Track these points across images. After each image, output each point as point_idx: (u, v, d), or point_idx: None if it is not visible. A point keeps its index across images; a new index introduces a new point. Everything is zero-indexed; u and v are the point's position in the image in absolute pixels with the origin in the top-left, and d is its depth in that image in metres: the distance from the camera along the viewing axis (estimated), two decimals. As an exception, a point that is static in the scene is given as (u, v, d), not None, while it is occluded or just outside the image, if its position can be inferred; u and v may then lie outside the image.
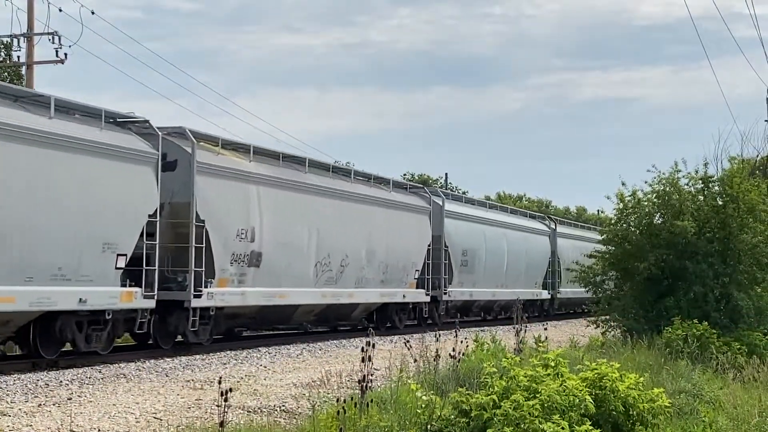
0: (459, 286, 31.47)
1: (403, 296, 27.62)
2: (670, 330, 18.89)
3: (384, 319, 27.41)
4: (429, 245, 29.11)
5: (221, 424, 8.04)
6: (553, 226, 41.61)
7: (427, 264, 29.02)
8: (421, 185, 34.79)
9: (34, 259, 15.28)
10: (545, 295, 39.59)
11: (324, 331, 26.51)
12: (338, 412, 8.78)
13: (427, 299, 29.06)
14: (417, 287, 28.53)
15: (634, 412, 9.86)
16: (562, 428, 8.53)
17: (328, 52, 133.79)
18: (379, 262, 26.23)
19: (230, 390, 8.19)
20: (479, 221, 33.63)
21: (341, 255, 24.26)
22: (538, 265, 39.23)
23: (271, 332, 25.23)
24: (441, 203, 30.64)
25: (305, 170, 23.29)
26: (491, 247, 34.04)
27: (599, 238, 30.42)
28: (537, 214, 44.84)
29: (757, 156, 37.12)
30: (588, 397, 9.33)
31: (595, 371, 10.16)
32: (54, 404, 11.37)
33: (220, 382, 8.66)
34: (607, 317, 23.03)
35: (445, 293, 30.32)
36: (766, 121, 39.59)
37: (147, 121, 18.33)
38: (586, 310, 43.54)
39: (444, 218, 30.43)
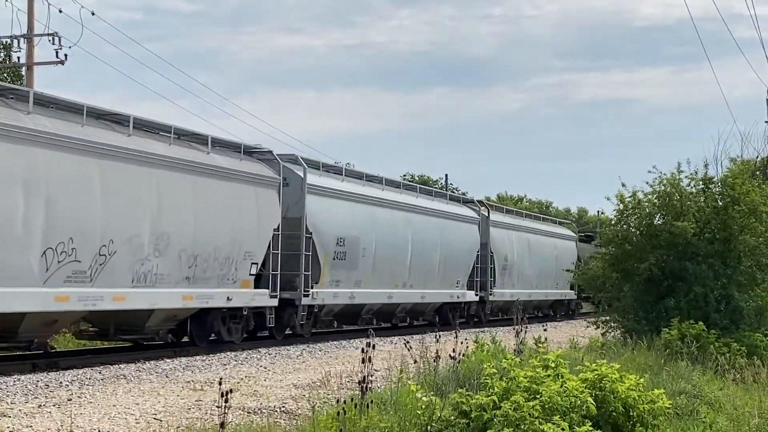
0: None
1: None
2: (668, 331, 18.88)
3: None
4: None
5: (222, 425, 8.04)
6: (486, 213, 35.29)
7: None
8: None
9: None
10: (471, 296, 33.17)
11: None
12: (338, 413, 8.78)
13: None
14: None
15: (635, 413, 9.85)
16: (562, 429, 8.53)
17: (328, 53, 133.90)
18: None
19: (231, 391, 8.19)
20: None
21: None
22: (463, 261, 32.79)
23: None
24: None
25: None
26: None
27: (558, 231, 31.39)
28: (462, 197, 40.05)
29: (757, 157, 37.13)
30: (589, 398, 9.33)
31: (596, 372, 10.15)
32: (54, 405, 11.37)
33: (220, 383, 8.66)
34: (607, 318, 23.02)
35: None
36: (766, 122, 39.60)
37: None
38: (539, 315, 40.39)
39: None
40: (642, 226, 22.56)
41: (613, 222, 23.67)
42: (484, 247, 33.95)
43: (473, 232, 33.29)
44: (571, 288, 39.03)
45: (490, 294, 34.26)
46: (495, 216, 35.92)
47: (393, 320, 28.72)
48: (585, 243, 46.16)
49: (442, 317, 30.97)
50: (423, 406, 9.13)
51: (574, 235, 41.89)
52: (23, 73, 33.26)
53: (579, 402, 9.17)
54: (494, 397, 8.93)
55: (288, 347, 20.97)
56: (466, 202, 36.14)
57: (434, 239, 29.84)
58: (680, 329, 18.94)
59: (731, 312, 21.49)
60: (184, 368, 16.02)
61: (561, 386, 9.32)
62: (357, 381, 9.57)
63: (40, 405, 11.36)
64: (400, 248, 27.71)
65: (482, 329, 27.05)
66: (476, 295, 33.32)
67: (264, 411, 11.27)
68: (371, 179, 27.51)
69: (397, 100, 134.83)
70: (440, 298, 30.71)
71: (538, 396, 8.98)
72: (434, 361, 12.39)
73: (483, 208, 35.00)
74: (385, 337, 23.05)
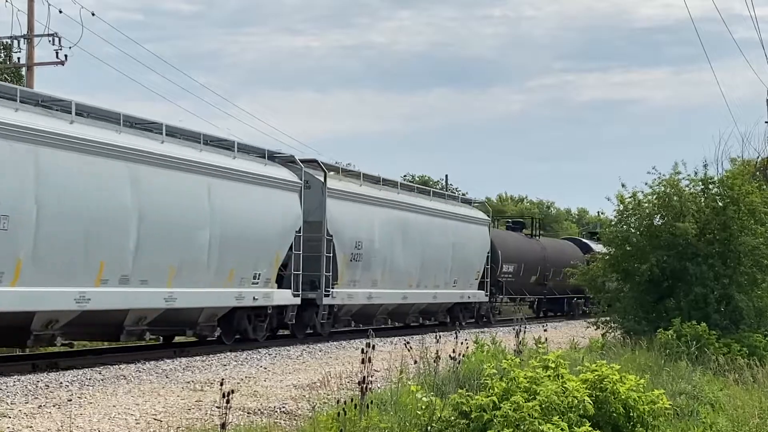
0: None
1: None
2: (667, 331, 18.88)
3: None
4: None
5: (223, 425, 8.03)
6: (321, 178, 23.83)
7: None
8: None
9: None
10: (284, 298, 22.37)
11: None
12: (338, 414, 8.77)
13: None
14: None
15: (635, 414, 9.86)
16: (562, 430, 8.53)
17: (328, 54, 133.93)
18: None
19: (232, 392, 8.19)
20: None
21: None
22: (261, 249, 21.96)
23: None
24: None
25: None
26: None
27: (459, 211, 30.07)
28: (278, 153, 23.87)
29: (758, 157, 37.10)
30: (587, 397, 9.33)
31: (596, 373, 10.16)
32: (54, 405, 11.36)
33: (222, 384, 8.65)
34: (608, 318, 23.02)
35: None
36: (766, 122, 39.59)
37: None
38: (429, 323, 30.01)
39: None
40: (642, 226, 22.58)
41: (613, 223, 23.67)
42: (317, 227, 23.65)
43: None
44: (481, 287, 33.24)
45: (327, 294, 23.52)
46: (334, 183, 24.37)
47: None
48: (512, 231, 42.37)
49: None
50: (423, 407, 9.12)
51: (486, 218, 34.27)
52: (23, 73, 33.28)
53: (577, 402, 9.17)
54: (494, 398, 8.93)
55: (288, 347, 20.97)
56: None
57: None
58: (682, 329, 18.92)
59: (731, 312, 21.49)
60: (184, 369, 16.01)
61: (560, 386, 9.32)
62: (357, 381, 9.56)
63: (40, 405, 11.35)
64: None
65: (482, 329, 27.04)
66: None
67: (264, 411, 11.26)
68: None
69: (397, 101, 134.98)
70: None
71: (537, 396, 8.98)
72: (434, 361, 12.39)
73: (317, 171, 24.17)
74: (386, 337, 23.05)
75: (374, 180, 27.50)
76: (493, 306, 35.29)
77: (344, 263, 24.44)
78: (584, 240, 49.24)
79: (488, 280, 33.88)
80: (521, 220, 48.27)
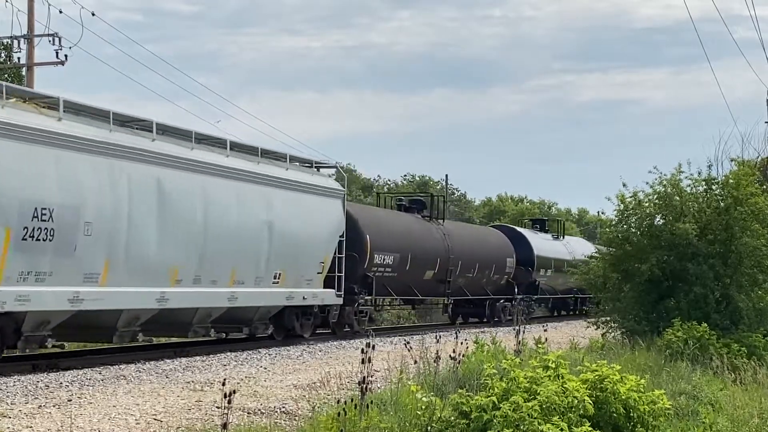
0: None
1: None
2: (670, 331, 18.89)
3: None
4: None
5: (224, 425, 8.03)
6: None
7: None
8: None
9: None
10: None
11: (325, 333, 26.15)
12: (339, 414, 8.78)
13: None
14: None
15: (635, 414, 9.86)
16: (561, 430, 8.53)
17: (328, 54, 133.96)
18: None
19: (234, 392, 8.19)
20: None
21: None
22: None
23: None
24: None
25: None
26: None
27: (282, 174, 21.38)
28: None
29: (758, 158, 37.09)
30: (586, 397, 9.33)
31: (596, 373, 10.16)
32: (54, 406, 11.36)
33: (223, 384, 8.64)
34: (608, 318, 23.02)
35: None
36: (766, 122, 39.58)
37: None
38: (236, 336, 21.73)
39: None
40: (642, 226, 22.57)
41: (613, 222, 23.68)
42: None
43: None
44: (327, 285, 23.44)
45: None
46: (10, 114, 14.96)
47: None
48: (407, 212, 31.16)
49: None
50: (423, 407, 9.13)
51: (340, 189, 24.36)
52: (24, 73, 33.29)
53: (576, 402, 9.17)
54: (494, 398, 8.93)
55: (288, 347, 20.97)
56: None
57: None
58: (683, 330, 18.93)
59: (731, 313, 21.51)
60: (184, 369, 16.01)
61: (560, 387, 9.32)
62: (357, 381, 9.57)
63: (40, 406, 11.35)
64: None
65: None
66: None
67: (264, 411, 11.26)
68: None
69: (397, 102, 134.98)
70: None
71: (536, 396, 8.99)
72: (434, 361, 12.39)
73: None
74: (386, 337, 23.05)
75: (101, 116, 17.05)
76: (360, 310, 25.70)
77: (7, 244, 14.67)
78: (519, 229, 39.64)
79: (342, 274, 23.94)
80: (421, 198, 34.49)
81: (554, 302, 43.07)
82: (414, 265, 28.56)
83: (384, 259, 27.02)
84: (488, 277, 34.27)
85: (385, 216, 29.53)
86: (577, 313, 42.93)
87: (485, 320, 34.11)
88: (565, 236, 45.09)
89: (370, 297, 26.39)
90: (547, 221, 45.71)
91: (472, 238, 34.24)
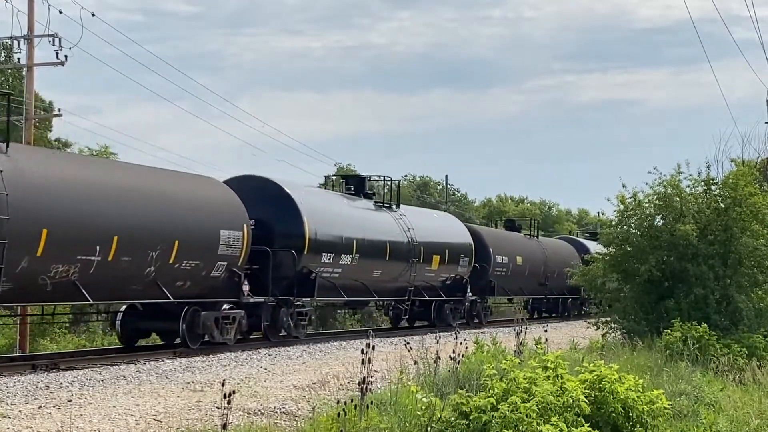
0: None
1: None
2: (670, 332, 18.89)
3: None
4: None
5: (224, 426, 8.04)
6: None
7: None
8: None
9: None
10: None
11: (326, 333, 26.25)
12: (338, 414, 8.78)
13: None
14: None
15: (634, 414, 9.87)
16: (560, 430, 8.54)
17: (328, 55, 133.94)
18: None
19: (233, 392, 8.19)
20: None
21: None
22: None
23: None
24: None
25: None
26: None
27: None
28: None
29: (758, 158, 37.09)
30: (582, 396, 9.34)
31: (595, 373, 10.16)
32: (54, 406, 11.37)
33: (223, 384, 8.65)
34: (608, 319, 23.01)
35: None
36: (766, 123, 39.57)
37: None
38: None
39: None
40: (642, 227, 22.56)
41: (613, 223, 23.66)
42: None
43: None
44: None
45: None
46: None
47: None
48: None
49: None
50: (423, 407, 9.13)
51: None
52: (24, 74, 33.31)
53: (572, 401, 9.19)
54: (492, 399, 8.94)
55: (288, 348, 20.95)
56: None
57: None
58: (683, 330, 18.93)
59: (731, 313, 21.49)
60: (184, 369, 16.01)
61: (559, 387, 9.33)
62: (357, 382, 9.58)
63: (40, 406, 11.36)
64: None
65: None
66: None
67: (264, 412, 11.27)
68: None
69: (397, 102, 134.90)
70: None
71: (534, 397, 9.00)
72: (434, 362, 12.39)
73: None
74: (386, 338, 23.04)
75: None
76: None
77: None
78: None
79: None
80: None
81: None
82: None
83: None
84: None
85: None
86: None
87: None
88: (539, 237, 42.71)
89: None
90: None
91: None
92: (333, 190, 28.51)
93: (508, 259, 35.53)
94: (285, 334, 22.33)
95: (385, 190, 28.68)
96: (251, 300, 20.90)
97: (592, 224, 61.06)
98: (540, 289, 39.51)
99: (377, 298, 27.33)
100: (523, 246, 38.55)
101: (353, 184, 27.62)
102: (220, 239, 19.78)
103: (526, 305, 41.02)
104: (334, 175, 28.88)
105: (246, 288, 20.73)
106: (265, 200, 22.21)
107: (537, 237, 42.14)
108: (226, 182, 22.39)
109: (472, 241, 31.86)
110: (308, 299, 22.81)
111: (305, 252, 22.40)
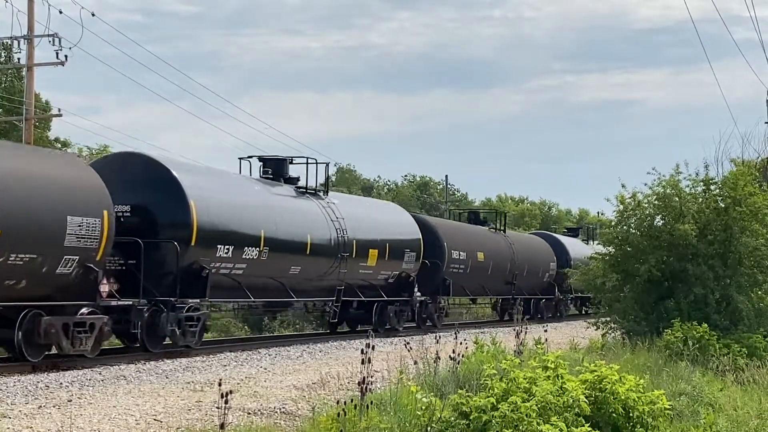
0: None
1: None
2: (669, 332, 18.89)
3: None
4: None
5: (222, 426, 8.04)
6: None
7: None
8: None
9: None
10: None
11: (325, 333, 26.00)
12: (338, 414, 8.79)
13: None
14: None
15: (634, 414, 9.87)
16: (560, 430, 8.54)
17: (327, 55, 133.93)
18: None
19: (230, 392, 8.19)
20: None
21: None
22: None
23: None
24: None
25: None
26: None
27: None
28: None
29: (758, 158, 37.10)
30: (582, 396, 9.34)
31: (595, 373, 10.16)
32: (54, 406, 11.37)
33: (220, 384, 8.66)
34: (608, 319, 23.02)
35: None
36: (766, 123, 39.58)
37: None
38: None
39: None
40: (642, 227, 22.56)
41: (613, 223, 23.66)
42: None
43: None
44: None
45: None
46: None
47: None
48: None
49: None
50: (423, 407, 9.13)
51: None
52: (24, 73, 33.34)
53: (572, 401, 9.19)
54: (492, 399, 8.94)
55: (288, 348, 20.96)
56: None
57: None
58: (683, 330, 18.93)
59: (731, 313, 21.49)
60: (184, 369, 16.02)
61: (559, 387, 9.34)
62: (357, 382, 9.58)
63: (40, 406, 11.36)
64: None
65: None
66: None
67: (264, 412, 11.28)
68: None
69: (397, 102, 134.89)
70: None
71: (534, 396, 9.00)
72: (434, 362, 12.39)
73: None
74: (385, 338, 23.06)
75: None
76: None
77: None
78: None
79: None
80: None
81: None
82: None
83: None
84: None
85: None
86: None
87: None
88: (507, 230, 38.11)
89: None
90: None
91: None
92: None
93: (466, 255, 31.48)
94: (169, 342, 18.63)
95: (311, 176, 24.57)
96: (112, 303, 17.05)
97: (592, 224, 61.00)
98: (507, 289, 35.47)
99: (297, 299, 23.21)
100: (485, 241, 34.37)
101: (271, 167, 23.55)
102: (67, 228, 15.71)
103: (495, 306, 38.03)
104: (250, 157, 23.87)
105: (105, 288, 16.90)
106: (146, 183, 18.60)
107: (504, 231, 37.31)
108: (98, 161, 19.30)
109: (420, 235, 28.21)
110: (197, 300, 18.96)
111: (192, 244, 18.57)
